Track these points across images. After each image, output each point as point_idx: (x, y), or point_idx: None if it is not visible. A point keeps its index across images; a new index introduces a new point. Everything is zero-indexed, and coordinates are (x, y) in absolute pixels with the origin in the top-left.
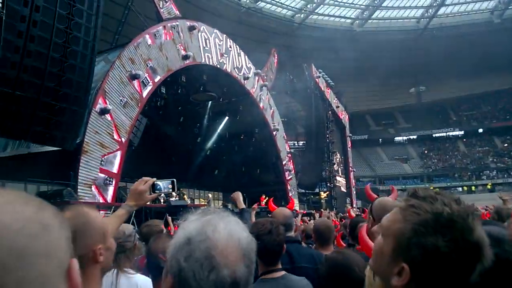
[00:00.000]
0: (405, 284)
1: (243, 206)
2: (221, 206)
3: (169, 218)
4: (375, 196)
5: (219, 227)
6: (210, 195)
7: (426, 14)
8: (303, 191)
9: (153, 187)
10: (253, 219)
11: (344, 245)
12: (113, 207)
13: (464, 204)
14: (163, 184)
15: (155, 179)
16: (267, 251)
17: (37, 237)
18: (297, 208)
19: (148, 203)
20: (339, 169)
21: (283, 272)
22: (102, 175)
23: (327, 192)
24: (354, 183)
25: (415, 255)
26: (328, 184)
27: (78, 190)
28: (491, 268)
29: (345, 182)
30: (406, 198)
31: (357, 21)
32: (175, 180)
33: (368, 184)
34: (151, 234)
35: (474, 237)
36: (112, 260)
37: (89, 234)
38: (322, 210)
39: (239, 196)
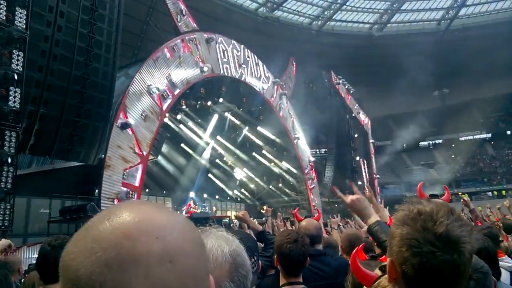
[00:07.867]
0: None
1: (258, 227)
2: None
3: None
4: (427, 195)
5: None
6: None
7: (446, 16)
8: (327, 199)
9: None
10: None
11: (367, 257)
12: None
13: None
14: None
15: None
16: (290, 260)
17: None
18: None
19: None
20: (364, 175)
21: (301, 286)
22: (125, 188)
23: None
24: (378, 190)
25: None
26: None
27: (102, 204)
28: None
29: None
30: None
31: (375, 26)
32: None
33: (420, 183)
34: None
35: None
36: None
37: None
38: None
39: (246, 216)
